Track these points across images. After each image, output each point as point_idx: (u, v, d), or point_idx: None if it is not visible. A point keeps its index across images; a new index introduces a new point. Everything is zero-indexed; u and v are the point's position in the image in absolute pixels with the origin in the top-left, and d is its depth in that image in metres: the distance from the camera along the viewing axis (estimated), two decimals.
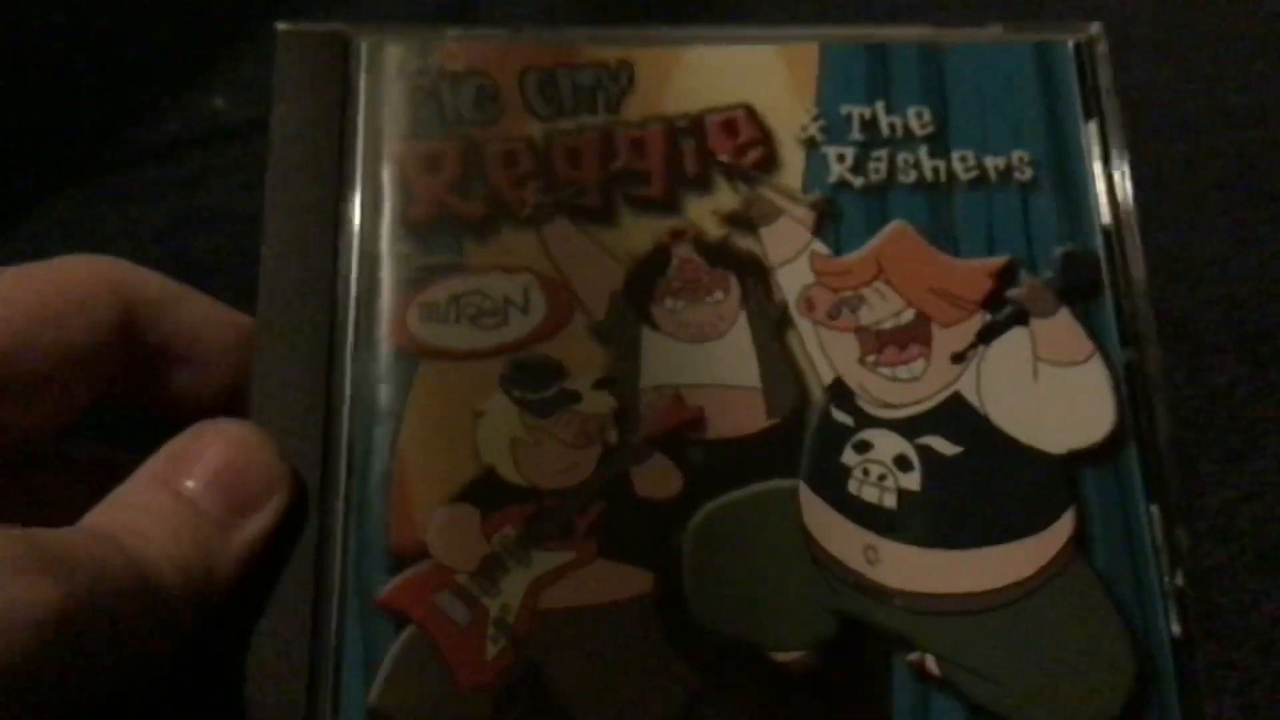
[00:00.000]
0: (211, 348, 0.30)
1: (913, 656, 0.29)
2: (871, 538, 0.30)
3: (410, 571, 0.29)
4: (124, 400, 0.30)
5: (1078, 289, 0.32)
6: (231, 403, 0.31)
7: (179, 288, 0.30)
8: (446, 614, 0.28)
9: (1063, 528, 0.30)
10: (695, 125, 0.33)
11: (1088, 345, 0.32)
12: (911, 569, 0.29)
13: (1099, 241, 0.32)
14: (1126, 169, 0.33)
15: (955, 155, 0.33)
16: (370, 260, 0.31)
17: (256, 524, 0.28)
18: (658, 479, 0.30)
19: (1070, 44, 0.35)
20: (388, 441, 0.30)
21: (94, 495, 0.28)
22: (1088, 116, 0.34)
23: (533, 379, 0.30)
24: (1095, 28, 0.35)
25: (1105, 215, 0.33)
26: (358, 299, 0.31)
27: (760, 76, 0.34)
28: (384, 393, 0.30)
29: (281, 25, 0.33)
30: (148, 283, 0.30)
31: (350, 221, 0.31)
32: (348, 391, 0.30)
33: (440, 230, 0.32)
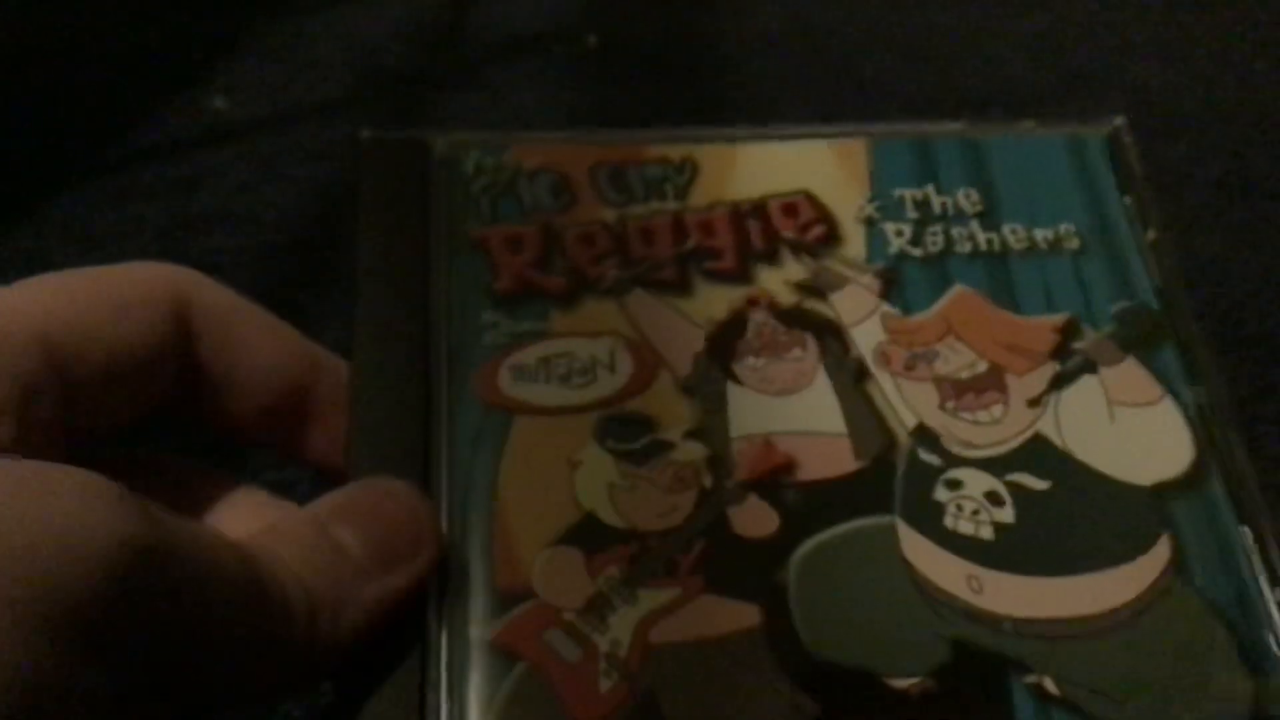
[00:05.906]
0: (265, 365, 0.30)
1: (1030, 679, 0.28)
2: (973, 568, 0.30)
3: (518, 610, 0.28)
4: (176, 410, 0.30)
5: (1139, 340, 0.33)
6: (277, 422, 0.31)
7: (240, 301, 0.30)
8: (557, 651, 0.28)
9: (1160, 552, 0.30)
10: (758, 208, 0.35)
11: (1157, 388, 0.33)
12: (1016, 596, 0.29)
13: (1153, 297, 0.34)
14: (1167, 235, 0.35)
15: (1006, 229, 0.35)
16: (460, 327, 0.32)
17: (398, 579, 0.28)
18: (755, 519, 0.30)
19: (1101, 136, 0.37)
20: (487, 491, 0.30)
21: None
22: (1123, 194, 0.36)
23: (626, 431, 0.31)
24: (1120, 120, 0.38)
25: (1155, 274, 0.34)
26: (450, 362, 0.32)
27: (815, 168, 0.36)
28: (480, 446, 0.30)
29: (364, 133, 0.36)
30: (209, 292, 0.30)
31: (439, 296, 0.33)
32: (445, 445, 0.30)
33: (527, 301, 0.33)
